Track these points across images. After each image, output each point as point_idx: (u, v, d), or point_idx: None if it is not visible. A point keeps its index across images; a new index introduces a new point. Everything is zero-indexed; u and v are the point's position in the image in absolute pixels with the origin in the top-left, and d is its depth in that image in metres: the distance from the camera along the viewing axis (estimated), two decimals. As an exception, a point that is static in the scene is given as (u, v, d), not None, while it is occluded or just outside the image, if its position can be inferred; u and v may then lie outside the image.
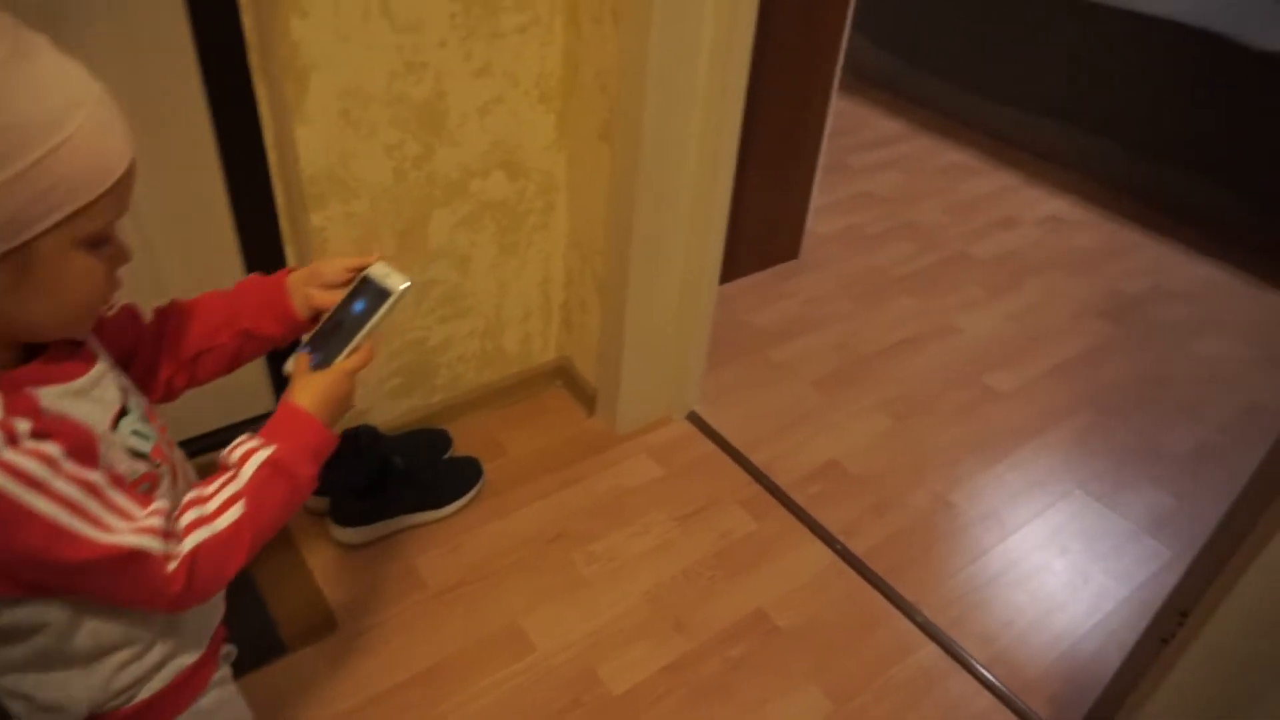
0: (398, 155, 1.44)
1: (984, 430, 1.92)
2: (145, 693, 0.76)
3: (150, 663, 0.76)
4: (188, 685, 0.80)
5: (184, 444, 0.85)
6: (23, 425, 0.59)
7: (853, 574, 1.58)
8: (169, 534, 0.66)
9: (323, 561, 1.52)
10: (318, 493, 1.61)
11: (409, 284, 0.81)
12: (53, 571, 0.63)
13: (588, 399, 1.87)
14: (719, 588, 1.54)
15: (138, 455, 0.70)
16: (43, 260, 0.59)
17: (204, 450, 1.28)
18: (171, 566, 0.65)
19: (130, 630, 0.72)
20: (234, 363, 0.88)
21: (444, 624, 1.44)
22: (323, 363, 0.81)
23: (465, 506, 1.64)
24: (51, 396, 0.64)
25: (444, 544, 1.58)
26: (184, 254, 1.43)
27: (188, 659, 0.79)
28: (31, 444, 0.59)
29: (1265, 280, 2.52)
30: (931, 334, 2.21)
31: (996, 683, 1.41)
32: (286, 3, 1.21)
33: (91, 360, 0.70)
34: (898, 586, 1.56)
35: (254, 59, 1.31)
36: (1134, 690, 1.17)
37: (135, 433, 0.70)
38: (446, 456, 1.73)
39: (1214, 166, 2.61)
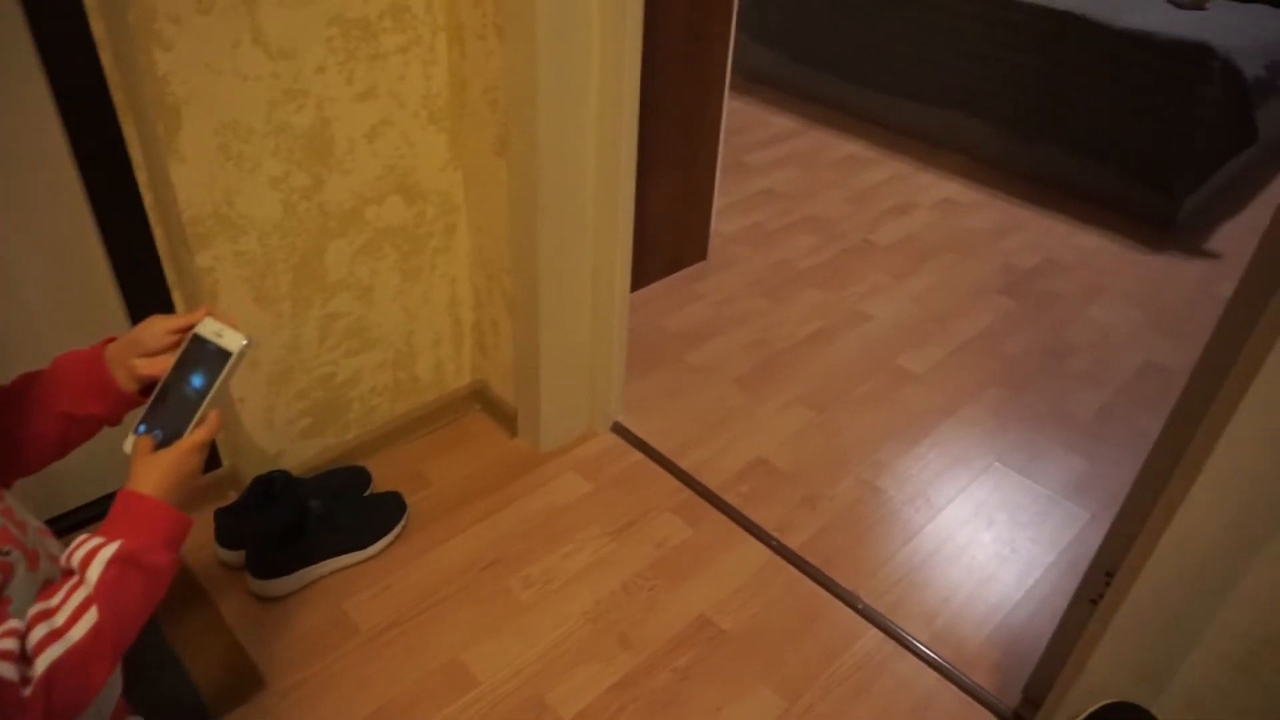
0: (285, 188, 1.38)
1: (902, 413, 1.96)
2: None
3: None
4: None
5: (55, 520, 0.78)
6: None
7: (790, 569, 1.58)
8: (22, 656, 0.60)
9: (243, 618, 1.44)
10: (232, 545, 1.53)
11: (247, 341, 0.75)
12: None
13: (509, 420, 1.83)
14: (660, 598, 1.52)
15: None
16: None
17: (80, 525, 1.19)
18: (27, 692, 0.60)
19: None
20: (61, 449, 0.81)
21: (381, 668, 1.38)
22: (166, 441, 0.75)
23: (391, 544, 1.58)
24: None
25: (373, 585, 1.51)
26: (61, 309, 1.34)
27: None
28: None
29: (1146, 245, 2.65)
30: (842, 323, 2.25)
31: (940, 660, 1.43)
32: (147, 35, 1.14)
33: None
34: (835, 577, 1.57)
35: (118, 97, 1.23)
36: (1071, 651, 1.20)
37: None
38: (367, 494, 1.67)
39: (1089, 141, 2.74)
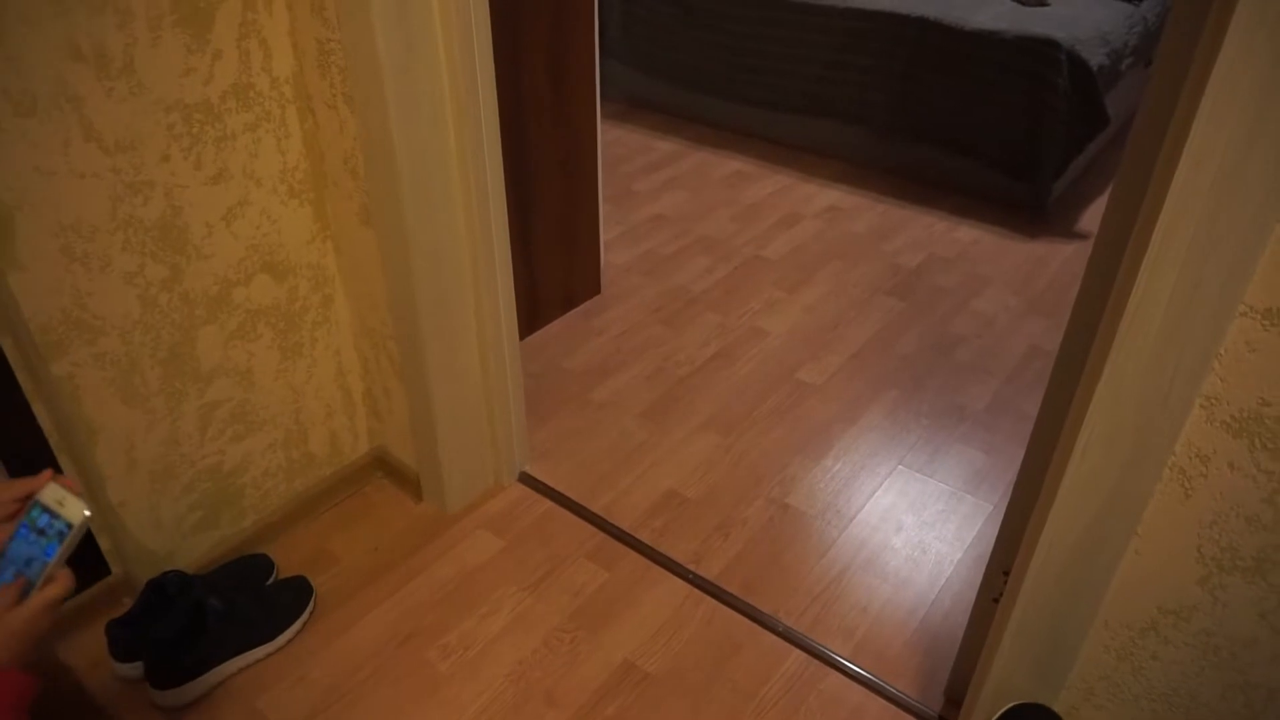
0: (140, 282, 1.33)
1: (806, 427, 1.99)
2: None
3: None
4: None
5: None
6: None
7: (709, 600, 1.59)
8: None
9: (147, 735, 1.37)
10: (129, 658, 1.46)
11: (89, 513, 0.72)
12: None
13: (412, 484, 1.79)
14: (582, 649, 1.50)
15: None
16: None
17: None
18: None
19: None
20: None
21: (298, 768, 1.33)
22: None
23: (300, 631, 1.53)
24: None
25: (286, 677, 1.46)
26: (-94, 437, 1.26)
27: None
28: None
29: (1021, 233, 2.76)
30: (740, 343, 2.27)
31: (863, 673, 1.45)
32: (-33, 145, 1.09)
33: None
34: (755, 602, 1.58)
35: (-56, 210, 1.17)
36: (980, 650, 1.22)
37: None
38: (270, 582, 1.61)
39: (955, 138, 2.85)
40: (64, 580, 0.72)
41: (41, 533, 0.72)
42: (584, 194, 2.29)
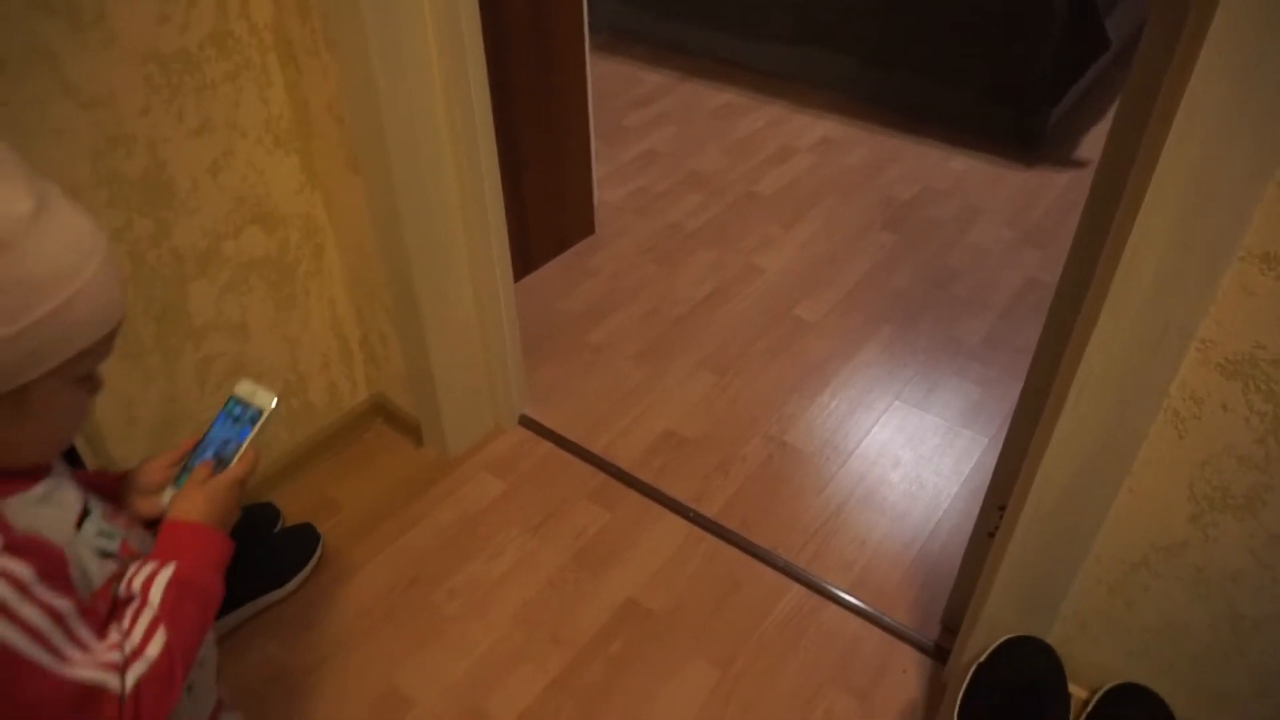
0: (128, 238, 1.31)
1: (802, 364, 2.00)
2: None
3: None
4: None
5: None
6: None
7: (710, 538, 1.61)
8: (124, 669, 0.65)
9: (164, 683, 1.40)
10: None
11: (275, 403, 0.81)
12: (4, 705, 0.60)
13: (412, 430, 1.80)
14: (586, 589, 1.54)
15: (106, 555, 0.70)
16: (41, 396, 0.62)
17: None
18: (122, 707, 0.64)
19: None
20: None
21: (317, 707, 1.37)
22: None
23: (309, 577, 1.55)
24: (14, 507, 0.64)
25: (295, 622, 1.49)
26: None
27: None
28: (2, 561, 0.59)
29: (1017, 162, 2.73)
30: (735, 281, 2.26)
31: (862, 605, 1.49)
32: (-58, 104, 1.06)
33: (46, 469, 0.69)
34: (754, 538, 1.61)
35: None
36: (975, 583, 1.25)
37: (100, 533, 0.70)
38: (277, 529, 1.63)
39: (948, 65, 2.78)
40: (250, 458, 0.79)
41: (236, 419, 0.80)
42: (574, 131, 2.25)
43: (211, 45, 1.29)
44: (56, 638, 0.61)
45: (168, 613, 0.68)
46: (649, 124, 3.00)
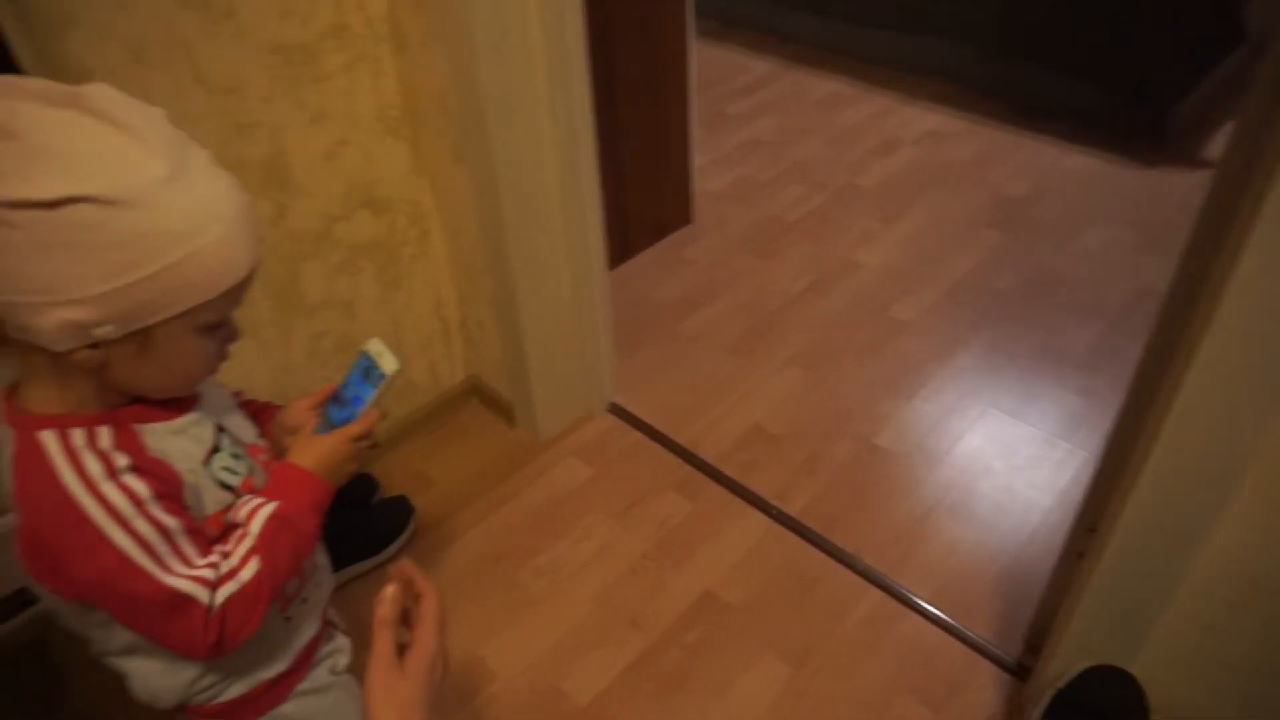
0: (251, 219, 1.39)
1: (896, 365, 1.96)
2: (226, 696, 0.85)
3: (229, 671, 0.84)
4: (268, 694, 0.88)
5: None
6: (122, 460, 0.68)
7: (791, 536, 1.61)
8: (215, 586, 0.72)
9: (267, 637, 1.50)
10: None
11: (399, 367, 0.84)
12: (112, 598, 0.70)
13: (506, 412, 1.86)
14: (666, 577, 1.56)
15: (226, 487, 0.77)
16: (161, 341, 0.68)
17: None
18: (208, 617, 0.71)
19: None
20: None
21: (400, 674, 1.43)
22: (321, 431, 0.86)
23: (402, 547, 1.63)
24: (153, 433, 0.72)
25: (387, 592, 1.56)
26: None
27: (268, 673, 0.87)
28: (126, 479, 0.68)
29: (1138, 161, 2.60)
30: (833, 275, 2.24)
31: (942, 616, 1.46)
32: (91, 93, 1.15)
33: (190, 406, 0.77)
34: (835, 539, 1.60)
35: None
36: (1061, 604, 1.22)
37: (225, 468, 0.78)
38: (375, 500, 1.71)
39: (1070, 59, 2.66)
40: (370, 417, 0.85)
41: (365, 376, 0.85)
42: (675, 119, 2.26)
43: (330, 37, 1.35)
44: (161, 549, 0.69)
45: (263, 544, 0.74)
46: (752, 113, 2.98)
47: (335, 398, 0.88)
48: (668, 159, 2.29)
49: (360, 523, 1.60)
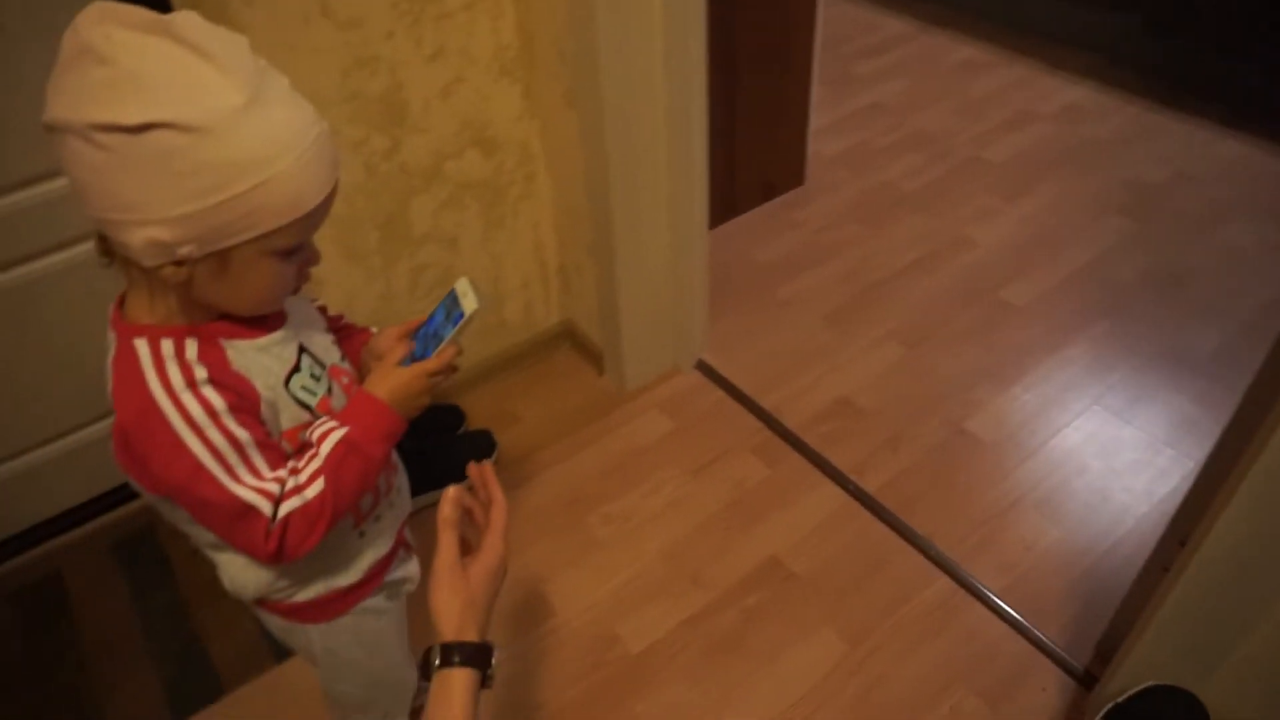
0: (365, 151, 1.44)
1: (999, 350, 1.89)
2: (299, 597, 0.91)
3: (305, 576, 0.90)
4: (338, 602, 0.94)
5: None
6: (201, 373, 0.72)
7: (865, 513, 1.59)
8: (279, 500, 0.76)
9: (351, 548, 1.59)
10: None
11: (478, 308, 0.86)
12: (187, 499, 0.75)
13: (596, 358, 1.89)
14: (734, 538, 1.57)
15: (304, 406, 0.81)
16: (238, 263, 0.71)
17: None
18: (270, 528, 0.75)
19: None
20: None
21: (469, 599, 1.50)
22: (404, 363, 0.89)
23: (483, 480, 1.69)
24: (237, 349, 0.77)
25: (465, 519, 1.63)
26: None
27: (339, 582, 0.93)
28: (204, 390, 0.72)
29: (1302, 151, 2.38)
30: (944, 251, 2.16)
31: (1011, 612, 1.43)
32: (223, 21, 1.20)
33: (277, 325, 0.81)
34: (910, 521, 1.57)
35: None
36: (1137, 616, 1.17)
37: (303, 388, 0.82)
38: (460, 432, 1.78)
39: (1233, 37, 2.44)
40: (446, 354, 0.86)
41: (448, 314, 0.87)
42: (796, 77, 2.20)
43: (454, -24, 1.37)
44: (232, 459, 0.73)
45: (330, 467, 0.77)
46: (880, 74, 2.87)
47: (421, 331, 0.91)
48: (784, 118, 2.24)
49: (443, 452, 1.67)
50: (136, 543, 1.59)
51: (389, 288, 1.62)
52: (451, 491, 0.79)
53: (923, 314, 1.99)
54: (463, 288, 0.88)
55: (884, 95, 2.76)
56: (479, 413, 1.81)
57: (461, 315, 0.86)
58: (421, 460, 1.62)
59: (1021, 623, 1.41)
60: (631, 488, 1.66)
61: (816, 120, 2.44)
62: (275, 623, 0.96)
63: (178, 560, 1.56)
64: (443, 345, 0.87)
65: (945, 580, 1.48)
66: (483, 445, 1.71)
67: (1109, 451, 1.67)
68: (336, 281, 1.55)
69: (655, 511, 1.62)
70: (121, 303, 0.76)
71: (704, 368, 1.89)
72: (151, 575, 1.55)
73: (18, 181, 1.29)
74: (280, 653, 1.41)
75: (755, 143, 2.21)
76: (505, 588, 1.51)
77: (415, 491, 1.63)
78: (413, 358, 0.88)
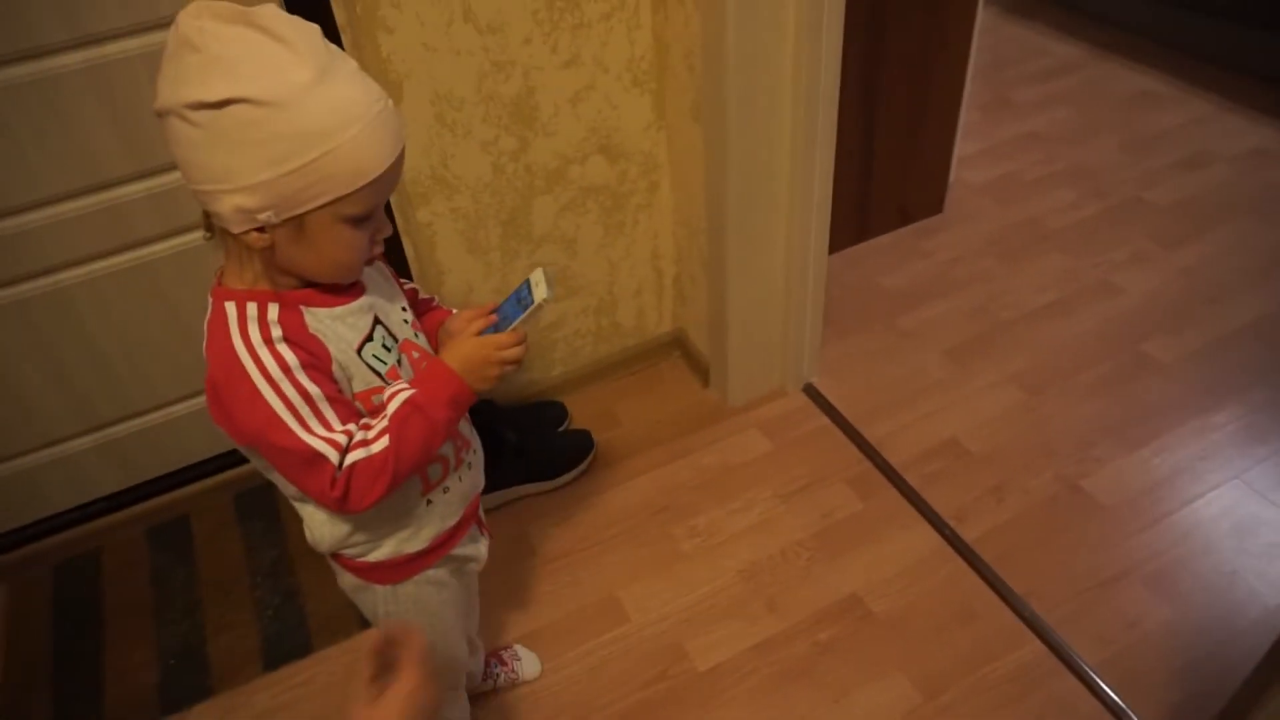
0: (494, 151, 1.50)
1: (1132, 407, 1.76)
2: (370, 557, 0.97)
3: (376, 536, 0.95)
4: (404, 567, 1.00)
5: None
6: (277, 331, 0.80)
7: (959, 561, 1.53)
8: (346, 450, 0.81)
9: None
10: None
11: (547, 297, 0.90)
12: (264, 446, 0.81)
13: (702, 371, 1.89)
14: (816, 569, 1.54)
15: (375, 371, 0.87)
16: (313, 228, 0.77)
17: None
18: (335, 476, 0.81)
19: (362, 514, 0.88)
20: None
21: (547, 591, 1.54)
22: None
23: (577, 478, 1.72)
24: (315, 315, 0.83)
25: (555, 514, 1.67)
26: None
27: (409, 548, 0.98)
28: (280, 347, 0.79)
29: None
30: (1085, 295, 2.03)
31: (1107, 690, 1.33)
32: (374, 23, 1.29)
33: (356, 296, 0.87)
34: (1007, 577, 1.49)
35: (355, 72, 1.40)
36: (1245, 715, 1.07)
37: (375, 356, 0.88)
38: (562, 429, 1.82)
39: None
40: (509, 336, 0.90)
41: (520, 300, 0.91)
42: (944, 100, 2.12)
43: (594, -13, 1.41)
44: (304, 410, 0.79)
45: (395, 425, 0.82)
46: (1041, 102, 2.72)
47: (494, 315, 0.96)
48: (927, 142, 2.17)
49: (543, 446, 1.72)
50: (256, 498, 1.72)
51: (505, 283, 1.67)
52: (372, 634, 0.79)
53: (1051, 359, 1.88)
54: (536, 278, 0.92)
55: (1043, 124, 2.62)
56: (582, 412, 1.85)
57: (531, 302, 0.90)
58: (522, 454, 1.68)
59: (1115, 702, 1.32)
60: (720, 504, 1.66)
61: (964, 147, 2.36)
62: (348, 580, 1.02)
63: (288, 518, 1.68)
64: (513, 326, 0.91)
65: (1037, 644, 1.40)
66: (581, 444, 1.75)
67: (1244, 532, 1.53)
68: (458, 272, 1.62)
69: (741, 531, 1.61)
70: (220, 272, 0.84)
71: (811, 391, 1.86)
72: (264, 530, 1.67)
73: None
74: (366, 621, 1.49)
75: (893, 166, 2.15)
76: (585, 589, 1.54)
77: (509, 482, 1.69)
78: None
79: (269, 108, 0.70)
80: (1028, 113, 2.68)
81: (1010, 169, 2.45)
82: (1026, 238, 2.21)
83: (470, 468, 1.04)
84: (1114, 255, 2.13)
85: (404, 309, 0.95)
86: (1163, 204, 2.29)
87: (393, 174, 0.79)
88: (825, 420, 1.80)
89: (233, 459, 1.75)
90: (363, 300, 0.88)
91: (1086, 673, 1.36)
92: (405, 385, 0.85)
